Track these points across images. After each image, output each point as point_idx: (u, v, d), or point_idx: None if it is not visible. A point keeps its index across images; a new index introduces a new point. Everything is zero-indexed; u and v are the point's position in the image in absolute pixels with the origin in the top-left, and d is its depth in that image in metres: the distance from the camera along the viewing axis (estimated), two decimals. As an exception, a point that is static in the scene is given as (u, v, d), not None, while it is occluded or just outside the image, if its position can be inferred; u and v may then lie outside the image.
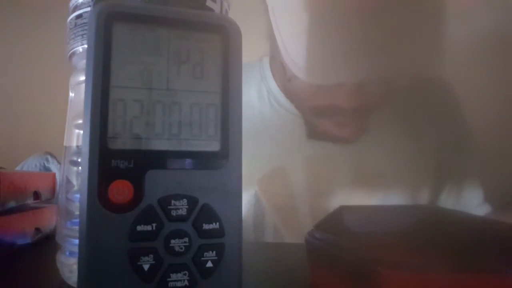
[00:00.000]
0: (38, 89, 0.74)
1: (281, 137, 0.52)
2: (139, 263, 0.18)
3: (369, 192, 0.50)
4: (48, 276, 0.28)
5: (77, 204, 0.24)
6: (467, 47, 0.49)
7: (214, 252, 0.19)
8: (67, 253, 0.26)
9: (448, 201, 0.52)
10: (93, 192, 0.18)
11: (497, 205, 0.50)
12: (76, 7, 0.26)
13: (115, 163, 0.18)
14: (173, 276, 0.19)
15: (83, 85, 0.19)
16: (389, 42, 0.40)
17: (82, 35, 0.26)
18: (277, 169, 0.51)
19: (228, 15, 0.27)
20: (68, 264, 0.26)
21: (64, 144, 0.28)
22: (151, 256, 0.18)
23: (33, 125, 0.75)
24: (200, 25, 0.20)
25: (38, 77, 0.74)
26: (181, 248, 0.19)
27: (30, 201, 0.38)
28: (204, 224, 0.19)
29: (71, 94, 0.29)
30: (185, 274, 0.19)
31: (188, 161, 0.19)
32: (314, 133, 0.50)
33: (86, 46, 0.21)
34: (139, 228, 0.18)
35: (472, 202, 0.51)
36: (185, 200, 0.19)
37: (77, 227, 0.20)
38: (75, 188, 0.27)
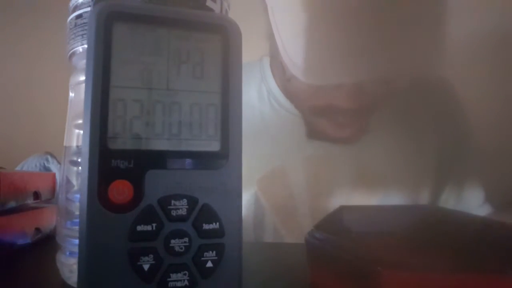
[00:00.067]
0: (38, 89, 0.74)
1: (281, 137, 0.52)
2: (139, 263, 0.18)
3: (369, 193, 0.50)
4: (48, 276, 0.28)
5: (77, 204, 0.24)
6: (467, 47, 0.49)
7: (214, 252, 0.19)
8: (67, 253, 0.26)
9: (448, 201, 0.52)
10: (93, 192, 0.18)
11: (497, 205, 0.50)
12: (76, 7, 0.26)
13: (115, 163, 0.18)
14: (173, 276, 0.19)
15: (83, 85, 0.19)
16: (388, 42, 0.40)
17: (82, 35, 0.26)
18: (277, 169, 0.51)
19: (228, 15, 0.27)
20: (68, 264, 0.26)
21: (64, 144, 0.28)
22: (151, 256, 0.18)
23: (33, 125, 0.75)
24: (200, 25, 0.20)
25: (38, 77, 0.74)
26: (181, 248, 0.19)
27: (30, 201, 0.38)
28: (204, 224, 0.19)
29: (71, 94, 0.29)
30: (185, 274, 0.19)
31: (188, 161, 0.19)
32: (313, 133, 0.50)
33: (86, 46, 0.21)
34: (139, 228, 0.18)
35: (473, 203, 0.51)
36: (185, 200, 0.19)
37: (77, 227, 0.20)
38: (75, 188, 0.27)
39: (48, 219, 0.40)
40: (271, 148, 0.52)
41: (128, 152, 0.18)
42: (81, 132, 0.22)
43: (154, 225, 0.18)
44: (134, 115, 0.19)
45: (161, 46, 0.19)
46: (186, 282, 0.19)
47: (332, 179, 0.50)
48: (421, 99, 0.52)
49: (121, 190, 0.18)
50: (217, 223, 0.19)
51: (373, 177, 0.50)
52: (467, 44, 0.49)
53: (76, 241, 0.19)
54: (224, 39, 0.20)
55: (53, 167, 0.63)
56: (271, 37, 0.47)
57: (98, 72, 0.18)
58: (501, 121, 0.53)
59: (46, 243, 0.37)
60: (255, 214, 0.50)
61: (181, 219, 0.19)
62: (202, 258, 0.19)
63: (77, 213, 0.24)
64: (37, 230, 0.37)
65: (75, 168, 0.28)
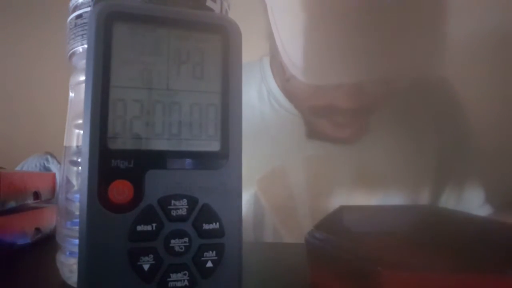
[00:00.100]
0: (38, 89, 0.74)
1: (281, 137, 0.52)
2: (139, 263, 0.18)
3: (369, 193, 0.50)
4: (48, 276, 0.28)
5: (77, 204, 0.24)
6: (467, 47, 0.49)
7: (214, 252, 0.19)
8: (67, 253, 0.26)
9: (448, 201, 0.52)
10: (93, 192, 0.18)
11: (498, 205, 0.50)
12: (76, 7, 0.26)
13: (115, 163, 0.18)
14: (173, 276, 0.19)
15: (83, 85, 0.19)
16: (388, 42, 0.40)
17: (82, 35, 0.26)
18: (277, 169, 0.51)
19: (228, 15, 0.27)
20: (68, 264, 0.26)
21: (64, 144, 0.28)
22: (151, 256, 0.18)
23: (33, 125, 0.75)
24: (200, 25, 0.20)
25: (38, 77, 0.74)
26: (181, 248, 0.19)
27: (30, 201, 0.38)
28: (204, 224, 0.19)
29: (71, 94, 0.29)
30: (185, 274, 0.19)
31: (188, 161, 0.19)
32: (313, 133, 0.50)
33: (86, 46, 0.21)
34: (139, 228, 0.18)
35: (473, 203, 0.51)
36: (185, 200, 0.19)
37: (77, 227, 0.20)
38: (75, 188, 0.27)
39: (48, 219, 0.40)
40: (271, 148, 0.52)
41: (128, 152, 0.18)
42: (81, 132, 0.22)
43: (154, 225, 0.18)
44: (134, 115, 0.19)
45: (161, 46, 0.19)
46: (186, 282, 0.19)
47: (332, 179, 0.50)
48: (421, 99, 0.52)
49: (121, 190, 0.18)
50: (217, 223, 0.19)
51: (373, 177, 0.50)
52: (467, 44, 0.49)
53: (76, 241, 0.19)
54: (224, 39, 0.20)
55: (53, 167, 0.63)
56: (270, 37, 0.47)
57: (98, 72, 0.18)
58: (501, 121, 0.53)
59: (46, 243, 0.37)
60: (255, 214, 0.50)
61: (181, 219, 0.19)
62: (202, 258, 0.19)
63: (77, 213, 0.24)
64: (37, 230, 0.37)
65: (75, 168, 0.28)
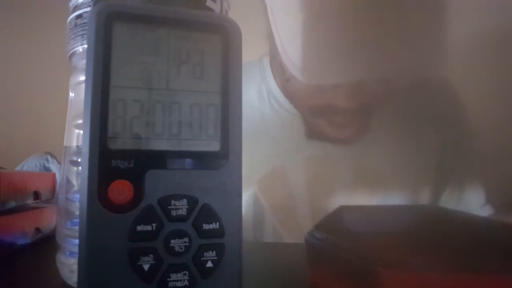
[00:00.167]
0: (38, 89, 0.74)
1: (281, 138, 0.52)
2: (139, 263, 0.18)
3: (369, 193, 0.50)
4: (48, 276, 0.28)
5: (77, 204, 0.24)
6: (467, 47, 0.49)
7: (214, 252, 0.19)
8: (67, 253, 0.26)
9: (449, 202, 0.52)
10: (93, 192, 0.18)
11: (498, 206, 0.50)
12: (76, 7, 0.26)
13: (115, 163, 0.18)
14: (173, 276, 0.19)
15: (83, 85, 0.19)
16: (388, 41, 0.40)
17: (82, 35, 0.26)
18: (277, 169, 0.51)
19: (228, 15, 0.27)
20: (68, 264, 0.26)
21: (64, 144, 0.28)
22: (151, 256, 0.18)
23: (33, 125, 0.75)
24: (200, 25, 0.20)
25: (38, 77, 0.74)
26: (181, 248, 0.19)
27: (30, 201, 0.38)
28: (204, 224, 0.19)
29: (71, 94, 0.29)
30: (185, 274, 0.19)
31: (188, 161, 0.19)
32: (313, 134, 0.50)
33: (86, 46, 0.21)
34: (139, 228, 0.18)
35: (474, 203, 0.51)
36: (185, 200, 0.19)
37: (77, 227, 0.20)
38: (75, 188, 0.27)
39: (48, 219, 0.40)
40: (271, 148, 0.52)
41: (128, 152, 0.18)
42: (81, 132, 0.22)
43: (154, 225, 0.18)
44: (134, 115, 0.19)
45: (161, 46, 0.19)
46: (186, 282, 0.19)
47: (332, 179, 0.50)
48: (421, 99, 0.51)
49: (121, 190, 0.18)
50: (217, 223, 0.19)
51: (373, 177, 0.50)
52: (467, 44, 0.49)
53: (76, 241, 0.19)
54: (224, 39, 0.20)
55: (53, 167, 0.63)
56: (270, 37, 0.47)
57: (98, 72, 0.18)
58: (502, 121, 0.53)
59: (46, 243, 0.37)
60: (255, 214, 0.50)
61: (181, 219, 0.19)
62: (202, 258, 0.19)
63: (77, 213, 0.24)
64: (37, 230, 0.37)
65: (75, 168, 0.28)
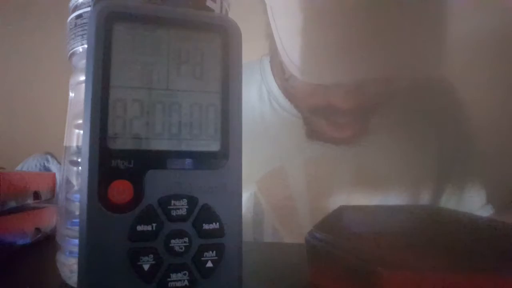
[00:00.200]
0: (38, 89, 0.74)
1: (281, 138, 0.52)
2: (139, 263, 0.18)
3: (369, 193, 0.50)
4: (48, 276, 0.28)
5: (77, 204, 0.24)
6: (467, 47, 0.49)
7: (214, 252, 0.19)
8: (67, 253, 0.26)
9: (449, 202, 0.52)
10: (93, 192, 0.18)
11: (499, 206, 0.50)
12: (76, 7, 0.26)
13: (115, 163, 0.18)
14: (173, 276, 0.19)
15: (83, 85, 0.19)
16: (388, 41, 0.40)
17: (82, 35, 0.26)
18: (277, 169, 0.51)
19: (228, 15, 0.27)
20: (68, 264, 0.26)
21: (64, 144, 0.28)
22: (151, 256, 0.18)
23: (33, 125, 0.75)
24: (200, 25, 0.20)
25: (38, 77, 0.74)
26: (181, 248, 0.19)
27: (30, 201, 0.38)
28: (204, 224, 0.19)
29: (71, 94, 0.29)
30: (185, 274, 0.19)
31: (188, 161, 0.19)
32: (313, 134, 0.50)
33: (86, 46, 0.21)
34: (139, 228, 0.18)
35: (474, 203, 0.51)
36: (185, 200, 0.19)
37: (77, 227, 0.20)
38: (75, 188, 0.27)
39: (48, 219, 0.40)
40: (271, 149, 0.52)
41: (128, 152, 0.18)
42: (81, 132, 0.22)
43: (154, 225, 0.18)
44: (134, 115, 0.19)
45: (161, 46, 0.19)
46: (186, 282, 0.19)
47: (332, 179, 0.50)
48: (422, 99, 0.51)
49: (121, 190, 0.18)
50: (217, 223, 0.19)
51: (373, 178, 0.50)
52: (467, 44, 0.49)
53: (76, 241, 0.19)
54: (224, 39, 0.20)
55: (53, 167, 0.63)
56: (270, 37, 0.47)
57: (98, 72, 0.18)
58: (502, 121, 0.53)
59: (46, 243, 0.37)
60: (254, 214, 0.50)
61: (181, 219, 0.19)
62: (202, 258, 0.19)
63: (77, 213, 0.24)
64: (37, 230, 0.37)
65: (75, 168, 0.28)
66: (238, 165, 0.20)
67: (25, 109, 0.75)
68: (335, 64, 0.41)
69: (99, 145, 0.18)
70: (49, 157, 0.63)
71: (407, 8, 0.40)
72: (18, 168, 0.62)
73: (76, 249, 0.18)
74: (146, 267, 0.18)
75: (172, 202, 0.19)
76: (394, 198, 0.50)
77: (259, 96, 0.54)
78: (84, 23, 0.26)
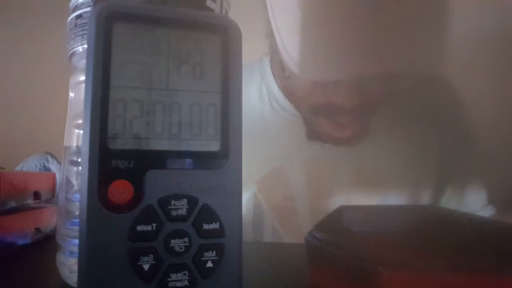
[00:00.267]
0: (38, 89, 0.75)
1: (281, 138, 0.52)
2: (139, 263, 0.18)
3: (369, 193, 0.50)
4: (48, 276, 0.28)
5: (77, 204, 0.24)
6: (467, 47, 0.49)
7: (214, 252, 0.19)
8: (67, 253, 0.26)
9: (450, 202, 0.52)
10: (93, 192, 0.18)
11: (499, 206, 0.50)
12: (76, 7, 0.26)
13: (115, 163, 0.18)
14: (173, 276, 0.19)
15: (83, 85, 0.19)
16: (389, 39, 0.40)
17: (82, 35, 0.26)
18: (277, 169, 0.51)
19: (228, 15, 0.27)
20: (68, 264, 0.26)
21: (64, 144, 0.28)
22: (151, 256, 0.18)
23: (33, 125, 0.75)
24: (200, 25, 0.20)
25: (38, 77, 0.74)
26: (181, 248, 0.19)
27: (30, 201, 0.38)
28: (204, 224, 0.19)
29: (71, 94, 0.29)
30: (185, 274, 0.19)
31: (188, 161, 0.19)
32: (314, 134, 0.50)
33: (86, 46, 0.21)
34: (139, 228, 0.18)
35: (475, 203, 0.51)
36: (185, 200, 0.19)
37: (77, 227, 0.20)
38: (75, 188, 0.27)
39: (48, 219, 0.40)
40: (271, 149, 0.52)
41: (128, 152, 0.18)
42: (81, 132, 0.22)
43: (154, 225, 0.18)
44: (134, 115, 0.19)
45: (161, 46, 0.19)
46: (186, 282, 0.19)
47: (332, 179, 0.50)
48: (422, 99, 0.51)
49: (121, 190, 0.18)
50: (217, 223, 0.19)
51: (373, 178, 0.50)
52: (467, 44, 0.49)
53: (76, 241, 0.19)
54: (224, 39, 0.20)
55: (53, 167, 0.63)
56: (270, 35, 0.47)
57: (98, 72, 0.18)
58: (502, 121, 0.53)
59: (46, 243, 0.37)
60: (254, 214, 0.50)
61: (181, 219, 0.19)
62: (202, 258, 0.19)
63: (77, 213, 0.24)
64: (37, 230, 0.37)
65: (75, 168, 0.28)
66: (238, 165, 0.20)
67: (25, 109, 0.76)
68: (334, 62, 0.41)
69: (99, 145, 0.18)
70: (49, 157, 0.63)
71: (407, 6, 0.40)
72: (18, 168, 0.62)
73: (76, 249, 0.18)
74: (146, 267, 0.18)
75: (172, 202, 0.19)
76: (394, 198, 0.50)
77: (259, 96, 0.54)
78: (84, 23, 0.26)
